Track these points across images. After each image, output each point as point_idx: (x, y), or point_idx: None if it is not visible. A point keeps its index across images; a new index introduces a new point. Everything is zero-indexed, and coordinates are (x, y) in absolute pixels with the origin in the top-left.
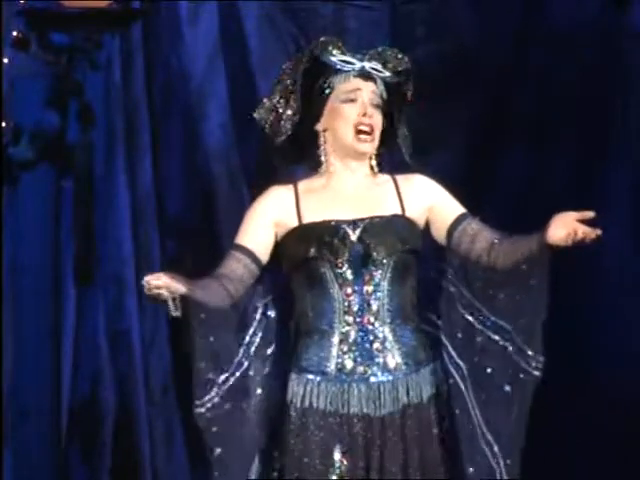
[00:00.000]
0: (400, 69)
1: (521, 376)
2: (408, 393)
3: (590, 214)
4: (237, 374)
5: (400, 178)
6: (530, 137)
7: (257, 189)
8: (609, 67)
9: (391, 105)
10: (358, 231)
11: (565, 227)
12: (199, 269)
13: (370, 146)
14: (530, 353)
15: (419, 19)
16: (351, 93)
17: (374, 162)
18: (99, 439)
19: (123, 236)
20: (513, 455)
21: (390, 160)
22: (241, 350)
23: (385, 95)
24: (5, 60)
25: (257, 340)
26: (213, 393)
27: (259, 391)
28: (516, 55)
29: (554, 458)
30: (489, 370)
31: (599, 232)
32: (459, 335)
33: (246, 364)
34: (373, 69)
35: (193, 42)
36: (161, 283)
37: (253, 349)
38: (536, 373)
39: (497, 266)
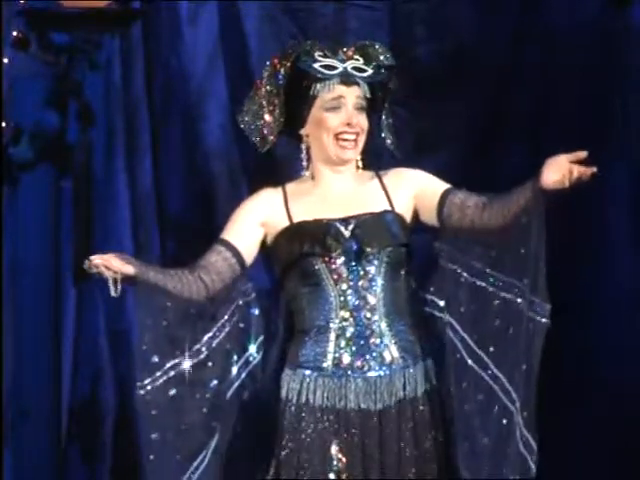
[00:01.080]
0: (384, 65)
1: (530, 326)
2: (404, 387)
3: (583, 154)
4: (191, 362)
5: (383, 174)
6: (529, 137)
7: (257, 189)
8: (609, 67)
9: (375, 101)
10: (350, 227)
11: (559, 169)
12: None
13: (353, 153)
14: (537, 301)
15: (419, 19)
16: (335, 101)
17: (359, 157)
18: (99, 439)
19: (123, 236)
20: (530, 407)
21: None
22: (204, 340)
23: (369, 94)
24: (5, 60)
25: (223, 334)
26: (156, 376)
27: (214, 383)
28: (515, 54)
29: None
30: (511, 330)
31: (594, 169)
32: (465, 308)
33: (205, 354)
34: (356, 70)
35: (193, 42)
36: (99, 262)
37: (216, 342)
38: (544, 321)
39: (491, 226)
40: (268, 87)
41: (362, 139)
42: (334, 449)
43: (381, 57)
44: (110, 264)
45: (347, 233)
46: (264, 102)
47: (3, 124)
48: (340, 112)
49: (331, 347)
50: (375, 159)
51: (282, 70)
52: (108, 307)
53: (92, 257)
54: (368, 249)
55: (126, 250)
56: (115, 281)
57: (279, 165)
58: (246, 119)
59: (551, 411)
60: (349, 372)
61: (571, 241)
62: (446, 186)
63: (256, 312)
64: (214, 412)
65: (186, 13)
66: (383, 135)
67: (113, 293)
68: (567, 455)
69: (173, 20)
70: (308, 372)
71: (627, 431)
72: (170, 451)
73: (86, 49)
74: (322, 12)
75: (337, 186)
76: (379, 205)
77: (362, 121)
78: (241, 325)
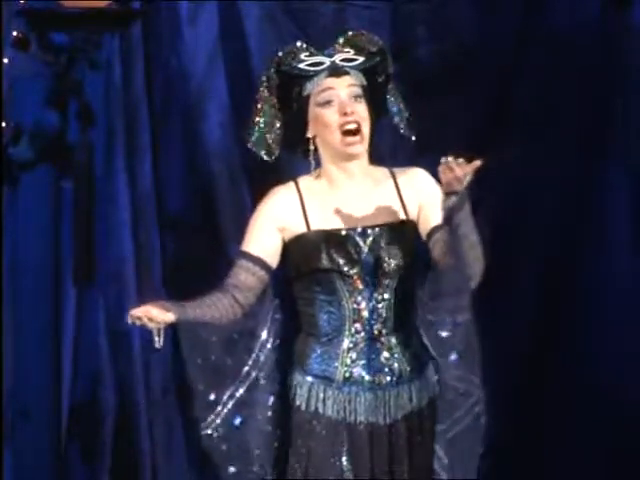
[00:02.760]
0: (374, 50)
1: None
2: (411, 400)
3: (477, 163)
4: (245, 386)
5: (399, 174)
6: (530, 137)
7: (257, 188)
8: (609, 67)
9: (375, 88)
10: (369, 241)
11: (445, 176)
12: (199, 268)
13: (361, 146)
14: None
15: (419, 19)
16: (326, 95)
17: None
18: (99, 439)
19: (123, 236)
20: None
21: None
22: (250, 361)
23: (365, 82)
24: (5, 60)
25: (268, 347)
26: (217, 411)
27: (272, 400)
28: (516, 55)
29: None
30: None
31: (478, 163)
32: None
33: (254, 374)
34: (345, 60)
35: (193, 42)
36: (140, 314)
37: (263, 357)
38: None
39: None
40: (264, 102)
41: (366, 128)
42: (344, 460)
43: (369, 44)
44: (151, 314)
45: (365, 247)
46: (265, 117)
47: (3, 124)
48: (333, 105)
49: (342, 359)
50: (377, 159)
51: (271, 81)
52: (108, 307)
53: (132, 311)
54: (385, 266)
55: (126, 250)
56: (159, 331)
57: (279, 164)
58: (252, 140)
59: (549, 411)
60: (359, 386)
61: (570, 241)
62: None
63: (278, 317)
64: (274, 427)
65: (186, 13)
66: (393, 118)
67: (158, 345)
68: (565, 453)
69: (173, 20)
70: (317, 381)
71: (626, 434)
72: (251, 477)
73: (86, 49)
74: (322, 12)
75: (351, 188)
76: (394, 212)
77: (359, 109)
78: (273, 333)
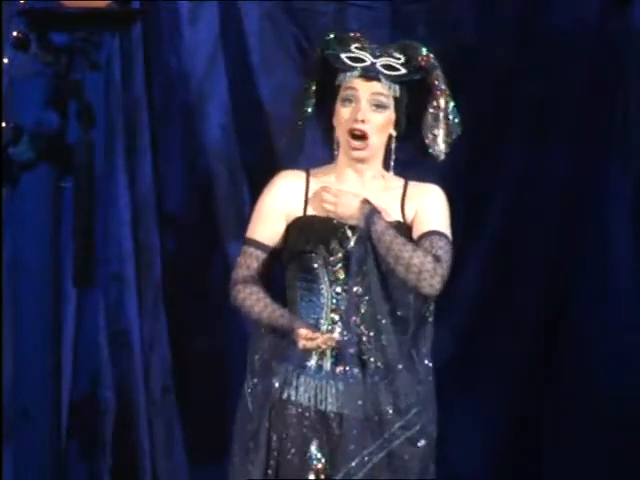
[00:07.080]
0: (421, 65)
1: None
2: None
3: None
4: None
5: (412, 185)
6: (531, 137)
7: (257, 188)
8: (609, 67)
9: (416, 101)
10: (358, 233)
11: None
12: (199, 267)
13: (365, 153)
14: None
15: (420, 19)
16: (348, 93)
17: (381, 163)
18: (99, 439)
19: (123, 235)
20: None
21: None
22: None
23: (398, 93)
24: (5, 60)
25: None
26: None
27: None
28: (517, 55)
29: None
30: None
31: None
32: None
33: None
34: (386, 67)
35: (193, 42)
36: (326, 341)
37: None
38: None
39: None
40: (309, 78)
41: (375, 138)
42: (314, 448)
43: (419, 58)
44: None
45: (352, 240)
46: (309, 92)
47: (3, 124)
48: (351, 105)
49: None
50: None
51: (315, 58)
52: (108, 307)
53: (314, 343)
54: (369, 261)
55: (126, 250)
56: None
57: (279, 164)
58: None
59: (549, 411)
60: (331, 376)
61: (570, 241)
62: (432, 227)
63: None
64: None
65: (186, 13)
66: (426, 135)
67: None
68: (565, 454)
69: (173, 20)
70: (291, 368)
71: (626, 434)
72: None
73: (86, 49)
74: (322, 12)
75: (358, 185)
76: (391, 214)
77: (375, 119)
78: None
